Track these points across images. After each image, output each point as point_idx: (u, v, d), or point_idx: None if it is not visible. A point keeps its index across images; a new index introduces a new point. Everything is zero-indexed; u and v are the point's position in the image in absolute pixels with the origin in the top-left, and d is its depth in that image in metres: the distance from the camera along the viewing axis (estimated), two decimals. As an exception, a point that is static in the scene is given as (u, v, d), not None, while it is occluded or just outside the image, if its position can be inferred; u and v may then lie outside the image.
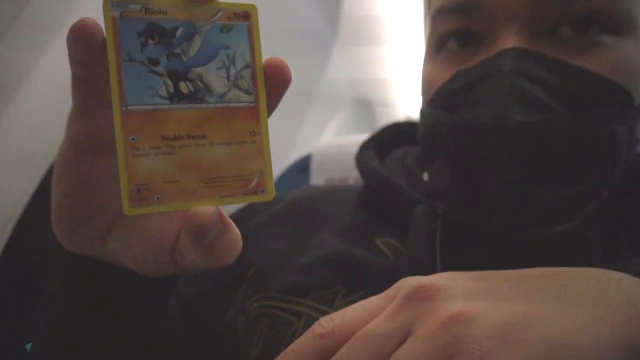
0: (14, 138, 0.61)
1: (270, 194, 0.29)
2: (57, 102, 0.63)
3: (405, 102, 2.00)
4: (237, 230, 0.30)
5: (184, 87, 0.27)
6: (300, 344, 0.29)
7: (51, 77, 0.61)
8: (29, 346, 0.40)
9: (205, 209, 0.27)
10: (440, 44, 0.46)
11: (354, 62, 1.63)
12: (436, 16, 0.46)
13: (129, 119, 0.27)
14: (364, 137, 0.57)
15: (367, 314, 0.29)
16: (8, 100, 0.58)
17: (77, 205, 0.32)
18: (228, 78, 0.28)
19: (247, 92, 0.28)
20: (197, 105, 0.28)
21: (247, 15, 0.28)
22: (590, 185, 0.41)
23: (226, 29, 0.28)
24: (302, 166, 0.80)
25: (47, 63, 0.62)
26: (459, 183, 0.43)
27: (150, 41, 0.27)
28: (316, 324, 0.29)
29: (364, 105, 1.97)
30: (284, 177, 0.79)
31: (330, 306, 0.42)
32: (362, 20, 1.46)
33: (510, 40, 0.41)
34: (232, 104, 0.28)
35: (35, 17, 0.59)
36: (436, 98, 0.46)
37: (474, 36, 0.44)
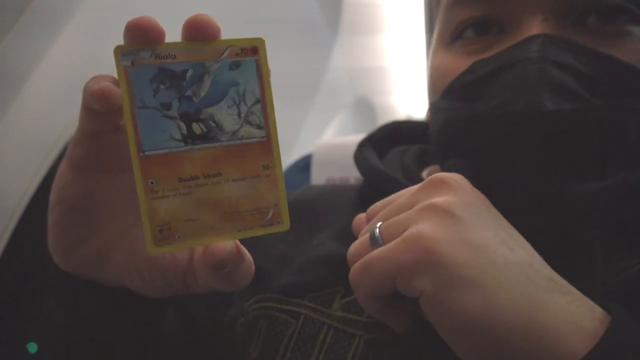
0: (14, 139, 0.61)
1: (286, 225, 0.30)
2: (58, 103, 0.63)
3: (406, 102, 1.99)
4: (250, 257, 0.31)
5: (196, 128, 0.28)
6: None
7: (53, 77, 0.62)
8: (32, 347, 0.41)
9: (223, 244, 0.29)
10: (457, 33, 0.44)
11: (354, 55, 1.62)
12: (452, 5, 0.44)
13: (147, 164, 0.27)
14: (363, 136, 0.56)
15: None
16: (9, 101, 0.58)
17: (75, 226, 0.33)
18: (239, 115, 0.29)
19: (259, 127, 0.29)
20: (211, 145, 0.28)
21: (254, 50, 0.29)
22: (618, 179, 0.39)
23: (235, 65, 0.28)
24: (303, 166, 0.79)
25: (48, 63, 0.62)
26: (478, 180, 0.38)
27: (161, 86, 0.27)
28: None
29: (365, 105, 1.96)
30: (284, 177, 0.79)
31: (329, 306, 0.41)
32: (363, 8, 1.45)
33: (536, 28, 0.39)
34: (244, 141, 0.29)
35: (35, 19, 0.59)
36: (452, 89, 0.43)
37: (494, 25, 0.42)
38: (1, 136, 0.58)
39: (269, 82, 0.29)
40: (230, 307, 0.47)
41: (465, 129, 0.41)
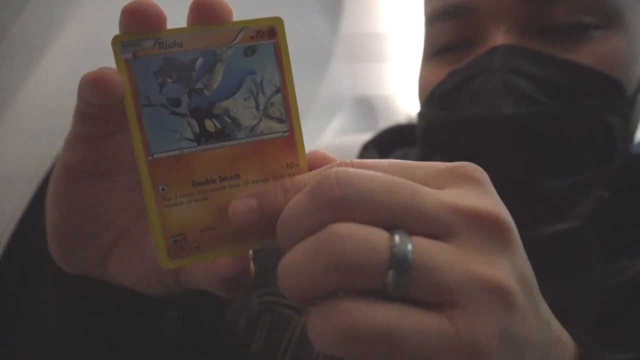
0: (11, 142, 0.59)
1: None
2: (54, 108, 0.62)
3: (406, 102, 1.98)
4: (252, 266, 0.29)
5: (210, 125, 0.25)
6: None
7: (49, 83, 0.60)
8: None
9: (238, 258, 0.26)
10: (435, 48, 0.48)
11: (355, 55, 1.60)
12: (430, 21, 0.49)
13: (156, 168, 0.24)
14: (364, 136, 0.59)
15: None
16: (5, 106, 0.57)
17: (75, 230, 0.31)
18: (257, 108, 0.25)
19: (280, 120, 0.25)
20: (227, 143, 0.25)
21: (272, 32, 0.25)
22: (588, 176, 0.42)
23: (250, 51, 0.25)
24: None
25: (45, 68, 0.60)
26: None
27: (168, 80, 0.24)
28: None
29: (365, 105, 1.94)
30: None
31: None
32: (363, 7, 1.44)
33: (499, 38, 0.43)
34: (264, 137, 0.25)
35: (32, 21, 0.57)
36: (431, 98, 0.47)
37: (465, 39, 0.46)
38: (1, 136, 0.56)
39: (289, 68, 0.25)
40: (233, 302, 0.47)
41: (443, 134, 0.46)
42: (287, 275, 0.22)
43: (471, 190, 0.23)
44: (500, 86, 0.41)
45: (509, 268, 0.22)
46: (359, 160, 0.24)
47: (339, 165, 0.24)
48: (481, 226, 0.22)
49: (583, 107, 0.41)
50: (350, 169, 0.22)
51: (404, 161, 0.24)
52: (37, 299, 0.39)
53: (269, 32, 0.25)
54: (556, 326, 0.25)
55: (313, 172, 0.25)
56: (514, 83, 0.41)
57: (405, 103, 1.96)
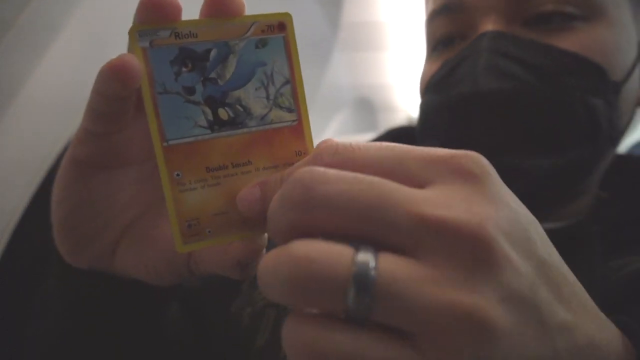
0: (13, 140, 0.60)
1: None
2: (56, 106, 0.62)
3: (406, 102, 1.99)
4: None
5: (222, 113, 0.26)
6: None
7: (50, 81, 0.61)
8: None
9: (254, 241, 0.27)
10: (433, 45, 0.51)
11: (355, 54, 1.61)
12: (429, 20, 0.51)
13: (172, 155, 0.25)
14: (364, 137, 0.59)
15: None
16: (7, 104, 0.57)
17: (83, 223, 0.32)
18: (268, 98, 0.26)
19: (289, 109, 0.27)
20: (239, 131, 0.26)
21: (282, 26, 0.26)
22: (570, 157, 0.43)
23: (261, 43, 0.26)
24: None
25: (47, 66, 0.61)
26: None
27: (183, 69, 0.25)
28: None
29: (365, 105, 1.95)
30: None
31: None
32: (363, 6, 1.44)
33: (487, 27, 0.45)
34: (274, 125, 0.26)
35: (33, 20, 0.58)
36: (428, 87, 0.50)
37: (459, 34, 0.48)
38: (1, 135, 0.56)
39: (297, 60, 0.26)
40: (237, 296, 0.47)
41: (434, 118, 0.48)
42: (259, 277, 0.20)
43: (462, 189, 0.21)
44: (485, 65, 0.43)
45: (491, 291, 0.19)
46: (345, 143, 0.23)
47: (321, 152, 0.23)
48: (460, 242, 0.19)
49: (564, 86, 0.43)
50: (320, 170, 0.20)
51: (396, 145, 0.22)
52: (39, 294, 0.39)
53: (279, 27, 0.26)
54: (587, 329, 0.21)
55: (303, 161, 0.24)
56: (498, 63, 0.43)
57: (403, 92, 1.96)
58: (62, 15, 0.60)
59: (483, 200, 0.20)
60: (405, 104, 2.02)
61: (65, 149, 0.57)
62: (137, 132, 0.30)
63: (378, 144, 0.22)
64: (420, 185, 0.21)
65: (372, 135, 0.63)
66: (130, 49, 0.25)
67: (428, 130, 0.49)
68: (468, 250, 0.19)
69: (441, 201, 0.20)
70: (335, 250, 0.19)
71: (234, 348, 0.44)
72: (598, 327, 0.22)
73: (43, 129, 0.64)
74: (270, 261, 0.19)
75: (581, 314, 0.21)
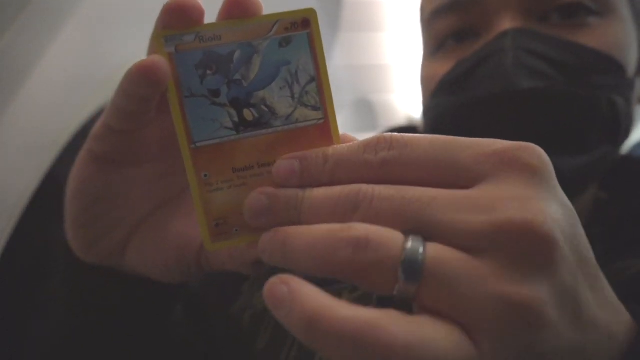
0: (16, 133, 0.60)
1: None
2: (60, 98, 0.62)
3: (406, 101, 1.97)
4: None
5: (247, 114, 0.26)
6: None
7: (54, 72, 0.60)
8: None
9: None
10: (438, 43, 0.49)
11: (355, 54, 1.59)
12: (431, 18, 0.49)
13: (199, 156, 0.25)
14: (364, 136, 0.59)
15: None
16: (11, 95, 0.57)
17: (98, 218, 0.32)
18: (292, 96, 0.26)
19: (315, 108, 0.27)
20: (264, 131, 0.26)
21: (306, 23, 0.26)
22: (597, 156, 0.43)
23: (285, 42, 0.26)
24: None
25: (49, 62, 0.61)
26: None
27: (208, 72, 0.25)
28: None
29: (365, 105, 1.93)
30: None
31: None
32: (363, 6, 1.43)
33: (506, 24, 0.44)
34: (299, 124, 0.26)
35: (38, 11, 0.57)
36: (438, 89, 0.47)
37: (471, 32, 0.47)
38: (1, 135, 0.56)
39: (323, 57, 0.26)
40: (238, 298, 0.47)
41: (453, 120, 0.45)
42: (308, 252, 0.21)
43: (518, 184, 0.21)
44: (514, 64, 0.42)
45: (549, 286, 0.20)
46: (399, 134, 0.23)
47: (376, 145, 0.24)
48: (515, 240, 0.20)
49: (592, 84, 0.42)
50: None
51: (448, 138, 0.22)
52: (43, 291, 0.40)
53: (303, 23, 0.26)
54: (609, 322, 0.22)
55: (354, 143, 0.25)
56: (527, 61, 0.42)
57: (400, 74, 1.94)
58: (69, 6, 0.60)
59: (542, 195, 0.21)
60: (405, 105, 2.01)
61: (73, 138, 0.57)
62: (155, 131, 0.30)
63: (430, 137, 0.23)
64: (475, 180, 0.21)
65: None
66: (153, 52, 0.25)
67: (444, 133, 0.48)
68: (528, 247, 0.20)
69: (500, 195, 0.20)
70: (390, 234, 0.21)
71: (235, 349, 0.45)
72: (617, 319, 0.23)
73: (55, 110, 0.63)
74: (328, 238, 0.21)
75: (606, 307, 0.22)
